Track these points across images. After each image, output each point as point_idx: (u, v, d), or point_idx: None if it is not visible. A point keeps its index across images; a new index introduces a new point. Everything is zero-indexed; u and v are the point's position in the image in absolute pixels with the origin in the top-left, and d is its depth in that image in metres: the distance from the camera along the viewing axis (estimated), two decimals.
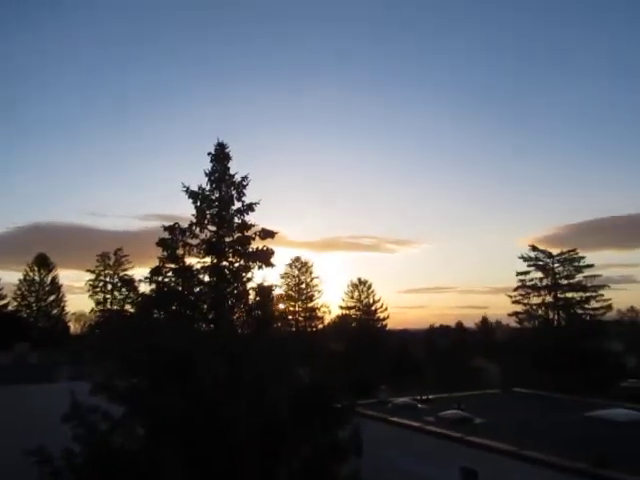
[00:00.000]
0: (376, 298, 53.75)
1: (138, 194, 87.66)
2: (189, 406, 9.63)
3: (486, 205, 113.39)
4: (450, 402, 25.63)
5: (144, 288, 12.54)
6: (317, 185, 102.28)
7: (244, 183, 12.80)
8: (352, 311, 53.93)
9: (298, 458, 10.83)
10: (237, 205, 12.76)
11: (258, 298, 11.99)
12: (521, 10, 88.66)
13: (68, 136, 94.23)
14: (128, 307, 48.13)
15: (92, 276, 49.75)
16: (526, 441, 17.19)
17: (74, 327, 57.39)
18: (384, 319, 53.57)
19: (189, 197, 12.69)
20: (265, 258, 12.30)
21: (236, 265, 12.41)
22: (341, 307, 54.43)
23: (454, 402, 25.17)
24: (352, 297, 53.77)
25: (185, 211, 12.92)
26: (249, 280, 12.32)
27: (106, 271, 49.59)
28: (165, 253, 12.26)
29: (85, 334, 49.79)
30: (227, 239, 12.65)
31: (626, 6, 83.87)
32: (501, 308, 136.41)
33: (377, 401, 26.16)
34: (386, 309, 53.69)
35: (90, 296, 49.63)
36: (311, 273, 53.02)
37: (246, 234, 12.64)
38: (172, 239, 12.43)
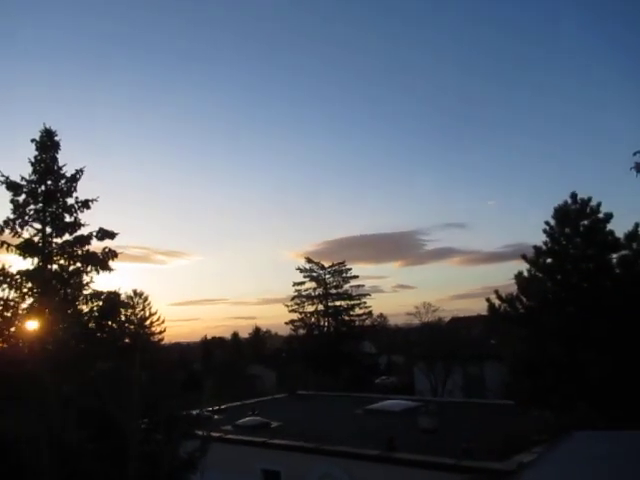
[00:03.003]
0: (152, 311, 51.56)
1: None
2: (32, 430, 8.27)
3: (255, 220, 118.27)
4: (243, 410, 26.24)
5: None
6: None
7: (77, 177, 11.43)
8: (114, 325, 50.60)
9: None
10: (69, 201, 11.31)
11: (96, 306, 10.84)
12: None
13: None
14: None
15: None
16: (322, 436, 18.85)
17: None
18: (160, 332, 51.63)
19: (8, 189, 10.81)
20: (103, 261, 11.16)
21: (70, 269, 10.98)
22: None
23: (248, 409, 25.85)
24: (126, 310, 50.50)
25: None
26: (83, 286, 11.01)
27: None
28: None
29: None
30: (56, 239, 11.11)
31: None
32: (270, 318, 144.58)
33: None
34: (163, 322, 51.90)
35: None
36: None
37: (79, 234, 11.29)
38: None
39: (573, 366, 14.42)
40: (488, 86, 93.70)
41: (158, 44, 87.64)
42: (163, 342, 52.77)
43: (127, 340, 12.85)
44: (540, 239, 16.80)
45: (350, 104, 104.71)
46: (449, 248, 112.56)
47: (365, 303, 48.31)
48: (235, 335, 60.97)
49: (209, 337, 64.85)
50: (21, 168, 11.14)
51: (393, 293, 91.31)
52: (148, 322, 51.08)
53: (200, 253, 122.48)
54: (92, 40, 79.40)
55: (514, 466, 13.64)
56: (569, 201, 16.45)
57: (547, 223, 16.63)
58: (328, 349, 45.35)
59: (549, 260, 16.50)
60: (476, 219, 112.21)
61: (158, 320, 51.66)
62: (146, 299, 51.11)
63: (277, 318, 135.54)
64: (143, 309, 50.87)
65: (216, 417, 26.09)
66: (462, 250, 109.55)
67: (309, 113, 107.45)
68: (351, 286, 48.53)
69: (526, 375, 15.98)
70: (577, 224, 16.15)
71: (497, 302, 17.11)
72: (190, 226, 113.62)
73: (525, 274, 16.70)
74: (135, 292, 51.29)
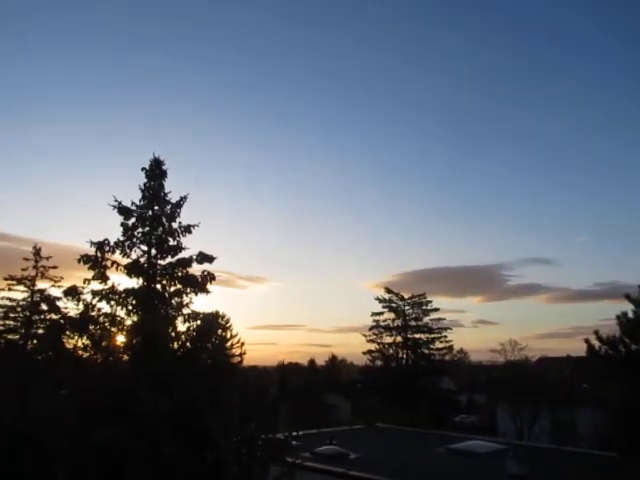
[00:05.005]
0: (233, 333, 52.89)
1: None
2: (131, 443, 8.65)
3: (332, 249, 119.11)
4: (319, 438, 25.96)
5: None
6: None
7: (181, 203, 12.10)
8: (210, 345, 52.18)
9: None
10: (173, 225, 11.97)
11: (195, 325, 11.31)
12: None
13: None
14: None
15: None
16: (402, 472, 18.24)
17: None
18: (240, 355, 52.71)
19: (119, 213, 11.64)
20: (202, 284, 11.65)
21: (171, 290, 11.56)
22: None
23: (324, 438, 25.54)
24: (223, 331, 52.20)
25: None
26: (183, 306, 11.53)
27: None
28: (92, 271, 11.03)
29: None
30: (160, 261, 11.76)
31: None
32: (346, 346, 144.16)
33: None
34: (242, 345, 52.98)
35: None
36: None
37: (181, 257, 11.88)
38: (97, 257, 11.21)
39: None
40: (584, 116, 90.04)
41: (258, 74, 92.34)
42: (242, 365, 53.95)
43: (214, 360, 13.13)
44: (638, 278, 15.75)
45: (430, 135, 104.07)
46: (535, 284, 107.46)
47: (446, 337, 46.79)
48: (312, 362, 61.00)
49: (285, 362, 65.34)
50: (132, 194, 11.96)
51: (473, 328, 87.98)
52: (229, 344, 52.46)
53: (279, 279, 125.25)
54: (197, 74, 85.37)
55: None
56: None
57: None
58: (406, 382, 44.20)
59: None
60: (564, 255, 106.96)
61: (238, 342, 52.97)
62: (228, 321, 52.62)
63: (352, 347, 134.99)
64: (225, 331, 52.30)
65: (294, 443, 26.04)
66: (549, 287, 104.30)
67: (390, 144, 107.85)
68: (431, 319, 47.30)
69: (631, 425, 14.73)
70: None
71: (597, 343, 16.06)
72: (271, 253, 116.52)
73: (630, 315, 15.60)
74: (218, 314, 52.99)
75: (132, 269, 11.47)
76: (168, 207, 12.01)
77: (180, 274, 11.86)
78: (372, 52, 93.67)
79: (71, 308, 11.72)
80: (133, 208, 11.76)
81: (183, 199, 12.12)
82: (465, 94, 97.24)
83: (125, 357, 11.17)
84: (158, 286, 11.59)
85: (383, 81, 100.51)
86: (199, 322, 11.37)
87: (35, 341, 14.42)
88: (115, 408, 9.56)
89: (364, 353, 47.91)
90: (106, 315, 10.98)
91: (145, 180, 12.07)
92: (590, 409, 30.19)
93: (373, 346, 47.64)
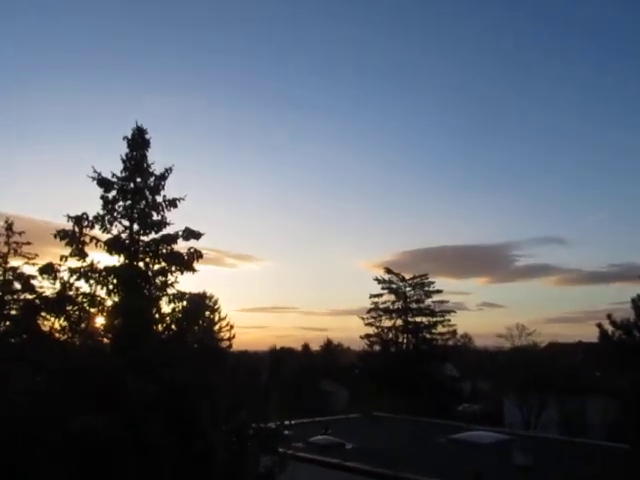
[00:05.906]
0: (222, 316, 51.88)
1: None
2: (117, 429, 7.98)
3: (328, 227, 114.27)
4: (314, 427, 25.14)
5: None
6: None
7: (166, 175, 11.24)
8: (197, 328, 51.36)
9: None
10: (157, 199, 11.13)
11: (180, 306, 10.54)
12: None
13: None
14: None
15: None
16: (401, 464, 17.55)
17: None
18: (229, 339, 51.82)
19: (99, 185, 10.80)
20: (188, 262, 10.85)
21: (155, 268, 10.77)
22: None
23: (319, 427, 24.74)
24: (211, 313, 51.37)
25: None
26: (168, 286, 10.75)
27: None
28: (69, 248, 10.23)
29: None
30: (143, 237, 10.95)
31: None
32: (342, 330, 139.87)
33: None
34: (232, 327, 52.02)
35: None
36: None
37: (165, 232, 11.06)
38: (75, 232, 10.40)
39: None
40: (599, 91, 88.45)
41: (246, 45, 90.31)
42: (231, 349, 53.05)
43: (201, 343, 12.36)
44: None
45: (434, 109, 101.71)
46: (545, 265, 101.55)
47: (449, 321, 45.18)
48: (306, 347, 59.93)
49: (278, 347, 64.07)
50: (112, 165, 11.11)
51: (478, 311, 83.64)
52: (217, 327, 51.47)
53: (271, 258, 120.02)
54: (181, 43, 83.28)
55: None
56: None
57: None
58: (406, 368, 42.90)
59: None
60: (577, 234, 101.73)
61: (227, 325, 51.95)
62: (216, 302, 51.56)
63: (349, 331, 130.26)
64: (212, 312, 51.26)
65: (286, 432, 25.21)
66: (560, 268, 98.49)
67: (391, 119, 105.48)
68: (433, 301, 45.71)
69: None
70: None
71: (610, 328, 15.34)
72: (262, 229, 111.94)
73: None
74: (206, 295, 51.95)
75: (113, 245, 10.71)
76: (151, 179, 11.19)
77: (165, 251, 11.11)
78: (375, 38, 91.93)
79: (47, 287, 10.94)
80: (114, 180, 10.95)
81: (168, 171, 11.29)
82: (476, 70, 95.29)
83: (105, 340, 10.43)
84: (141, 264, 10.87)
85: (382, 60, 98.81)
86: (185, 303, 10.68)
87: (8, 323, 13.64)
88: (98, 392, 8.85)
89: (362, 337, 46.46)
90: (85, 295, 10.31)
91: (127, 150, 11.22)
92: (601, 398, 29.34)
93: (371, 330, 46.12)
